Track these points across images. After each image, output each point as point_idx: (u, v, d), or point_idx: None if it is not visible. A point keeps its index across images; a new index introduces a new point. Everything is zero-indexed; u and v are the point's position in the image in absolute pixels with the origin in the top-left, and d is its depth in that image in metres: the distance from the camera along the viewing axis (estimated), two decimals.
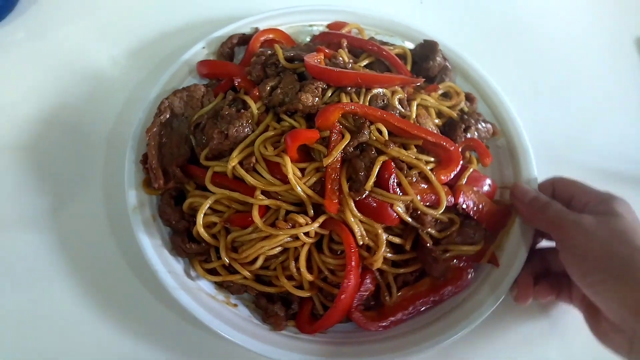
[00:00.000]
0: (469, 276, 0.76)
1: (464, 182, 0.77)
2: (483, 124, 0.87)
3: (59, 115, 0.90)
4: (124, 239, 0.80)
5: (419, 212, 0.72)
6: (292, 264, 0.71)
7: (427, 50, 0.90)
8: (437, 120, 0.84)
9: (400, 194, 0.71)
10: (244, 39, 0.93)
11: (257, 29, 0.95)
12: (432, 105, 0.84)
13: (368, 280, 0.72)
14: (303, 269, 0.70)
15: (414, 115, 0.78)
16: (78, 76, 0.95)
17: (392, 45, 0.93)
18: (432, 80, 0.91)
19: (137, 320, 0.75)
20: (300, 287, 0.72)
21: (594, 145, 1.01)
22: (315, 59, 0.79)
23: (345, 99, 0.77)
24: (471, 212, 0.76)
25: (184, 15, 1.04)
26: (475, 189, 0.78)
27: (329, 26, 0.97)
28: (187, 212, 0.76)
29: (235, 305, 0.73)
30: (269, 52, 0.84)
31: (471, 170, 0.79)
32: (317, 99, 0.76)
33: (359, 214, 0.71)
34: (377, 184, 0.72)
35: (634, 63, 1.14)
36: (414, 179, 0.73)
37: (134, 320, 0.75)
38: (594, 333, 0.69)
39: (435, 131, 0.80)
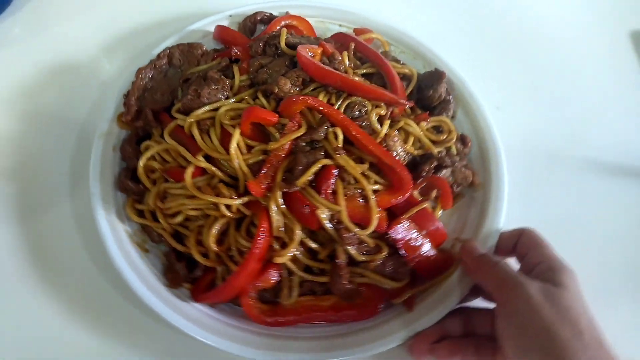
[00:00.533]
0: (378, 309, 0.72)
1: (407, 215, 0.74)
2: (464, 170, 0.82)
3: (53, 111, 0.91)
4: (90, 239, 0.78)
5: (342, 226, 0.70)
6: (206, 231, 0.72)
7: (433, 78, 0.86)
8: (414, 149, 0.81)
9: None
10: (269, 19, 0.96)
11: (287, 13, 0.97)
12: (414, 132, 0.80)
13: (273, 275, 0.71)
14: (211, 238, 0.71)
15: (382, 134, 0.76)
16: (73, 73, 0.95)
17: (402, 64, 0.90)
18: (431, 110, 0.87)
19: (99, 313, 0.76)
20: (207, 255, 0.73)
21: (593, 140, 1.00)
22: (309, 51, 0.79)
23: (323, 97, 0.77)
24: (401, 247, 0.72)
25: (186, 11, 1.02)
26: (418, 227, 0.74)
27: (355, 30, 0.97)
28: (142, 153, 0.80)
29: (147, 250, 0.76)
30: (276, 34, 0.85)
31: (423, 206, 0.75)
32: (295, 88, 0.77)
33: (282, 206, 0.70)
34: (316, 185, 0.71)
35: (630, 56, 1.12)
36: (352, 192, 0.71)
37: (93, 312, 0.76)
38: None
39: (402, 157, 0.77)
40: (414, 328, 0.70)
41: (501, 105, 0.98)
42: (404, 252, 0.72)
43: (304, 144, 0.73)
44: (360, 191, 0.72)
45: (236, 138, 0.72)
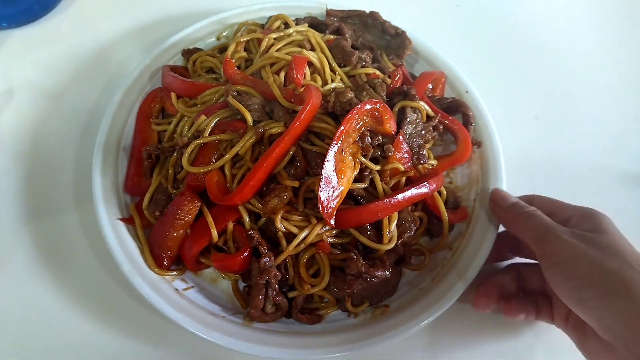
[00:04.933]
0: None
1: None
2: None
3: (99, 106, 0.94)
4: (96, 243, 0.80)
5: None
6: None
7: None
8: None
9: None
10: None
11: None
12: None
13: None
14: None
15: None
16: (115, 70, 0.99)
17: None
18: None
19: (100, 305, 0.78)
20: None
21: (629, 152, 1.01)
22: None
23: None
24: None
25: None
26: None
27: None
28: None
29: None
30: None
31: None
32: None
33: None
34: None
35: None
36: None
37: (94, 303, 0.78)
38: (584, 353, 0.67)
39: None
40: (471, 273, 0.74)
41: (539, 115, 1.02)
42: None
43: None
44: None
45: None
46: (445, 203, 0.82)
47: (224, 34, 0.99)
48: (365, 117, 0.76)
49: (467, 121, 0.89)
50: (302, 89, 0.79)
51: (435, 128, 0.86)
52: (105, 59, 1.01)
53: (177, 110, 0.86)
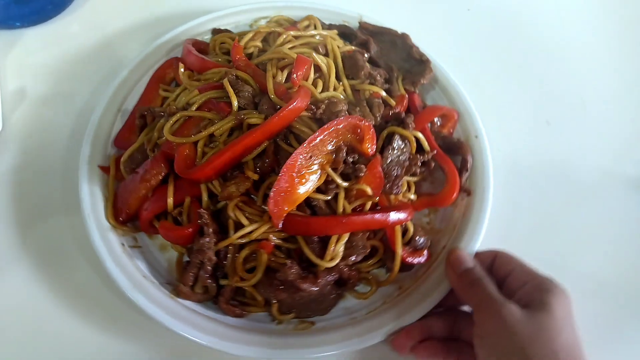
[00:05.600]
0: None
1: None
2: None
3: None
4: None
5: None
6: None
7: None
8: None
9: None
10: None
11: None
12: None
13: None
14: None
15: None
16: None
17: None
18: None
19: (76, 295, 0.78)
20: None
21: (638, 155, 1.00)
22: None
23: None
24: None
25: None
26: None
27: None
28: None
29: None
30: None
31: None
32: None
33: None
34: None
35: None
36: None
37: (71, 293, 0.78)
38: None
39: None
40: (411, 317, 0.72)
41: (551, 120, 1.01)
42: None
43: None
44: None
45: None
46: (410, 241, 0.78)
47: (259, 22, 1.01)
48: (347, 132, 0.75)
49: (463, 166, 0.85)
50: (296, 89, 0.79)
51: (425, 163, 0.83)
52: (116, 60, 1.00)
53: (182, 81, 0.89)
